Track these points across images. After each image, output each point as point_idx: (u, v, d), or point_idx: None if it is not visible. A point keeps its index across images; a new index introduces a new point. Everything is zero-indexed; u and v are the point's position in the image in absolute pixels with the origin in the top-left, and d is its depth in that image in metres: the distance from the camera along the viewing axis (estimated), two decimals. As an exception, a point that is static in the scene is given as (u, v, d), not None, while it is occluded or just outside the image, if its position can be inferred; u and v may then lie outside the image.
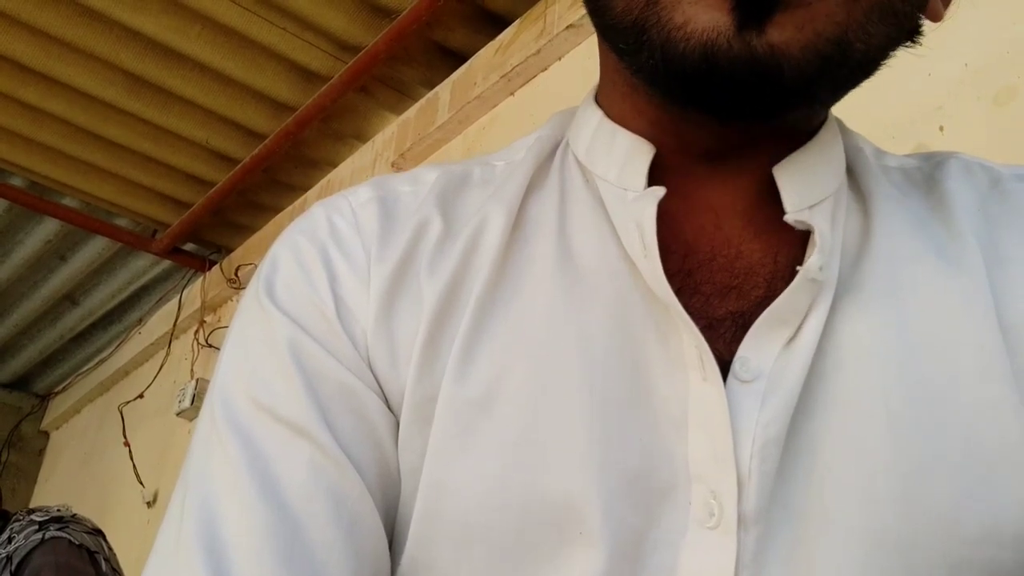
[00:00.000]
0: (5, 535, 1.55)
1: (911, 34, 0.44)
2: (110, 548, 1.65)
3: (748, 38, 0.36)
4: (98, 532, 1.65)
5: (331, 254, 0.45)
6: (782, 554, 0.38)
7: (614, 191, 0.45)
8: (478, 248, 0.44)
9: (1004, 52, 1.13)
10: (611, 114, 0.47)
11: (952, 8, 0.45)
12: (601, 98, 0.49)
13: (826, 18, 0.37)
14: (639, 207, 0.42)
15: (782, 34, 0.37)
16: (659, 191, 0.42)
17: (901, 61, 0.44)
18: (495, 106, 2.04)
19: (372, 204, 0.47)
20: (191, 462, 0.42)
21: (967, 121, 1.14)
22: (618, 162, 0.45)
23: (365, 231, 0.46)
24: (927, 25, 0.44)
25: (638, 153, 0.45)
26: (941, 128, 1.17)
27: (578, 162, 0.48)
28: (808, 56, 0.37)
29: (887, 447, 0.39)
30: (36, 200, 2.70)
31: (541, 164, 0.48)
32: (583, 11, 1.76)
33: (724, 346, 0.41)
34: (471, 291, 0.43)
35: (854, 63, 0.39)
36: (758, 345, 0.41)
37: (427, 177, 0.49)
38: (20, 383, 3.96)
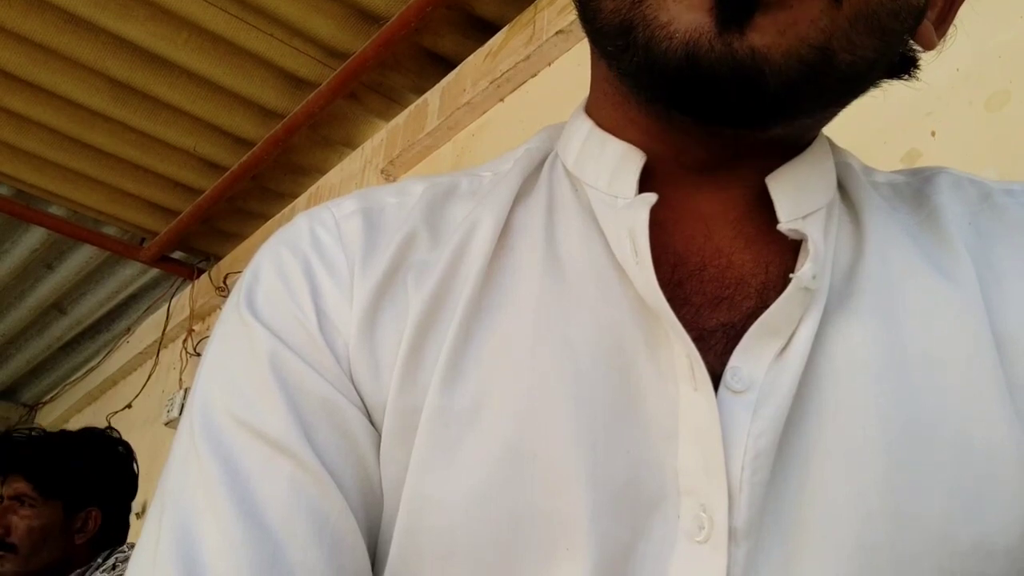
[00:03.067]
0: (110, 561, 1.59)
1: (905, 65, 0.44)
2: None
3: (729, 40, 0.36)
4: None
5: (314, 266, 0.44)
6: (773, 569, 0.38)
7: (604, 199, 0.44)
8: (465, 256, 0.44)
9: (996, 57, 1.13)
10: (602, 124, 0.47)
11: (950, 29, 0.45)
12: (591, 109, 0.48)
13: (809, 23, 0.36)
14: (631, 213, 0.42)
15: (763, 38, 0.36)
16: (651, 197, 0.42)
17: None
18: (485, 112, 2.04)
19: (356, 216, 0.46)
20: (169, 478, 0.41)
21: (959, 126, 1.14)
22: (608, 169, 0.45)
23: (349, 243, 0.45)
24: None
25: (629, 160, 0.44)
26: (933, 133, 1.16)
27: (567, 172, 0.47)
28: (791, 62, 0.37)
29: (880, 461, 0.38)
30: (22, 209, 2.69)
31: (529, 175, 0.48)
32: (572, 17, 1.77)
33: (715, 358, 0.40)
34: (457, 300, 0.42)
35: (840, 74, 0.38)
36: (750, 355, 0.40)
37: (414, 189, 0.49)
38: (7, 393, 3.94)
